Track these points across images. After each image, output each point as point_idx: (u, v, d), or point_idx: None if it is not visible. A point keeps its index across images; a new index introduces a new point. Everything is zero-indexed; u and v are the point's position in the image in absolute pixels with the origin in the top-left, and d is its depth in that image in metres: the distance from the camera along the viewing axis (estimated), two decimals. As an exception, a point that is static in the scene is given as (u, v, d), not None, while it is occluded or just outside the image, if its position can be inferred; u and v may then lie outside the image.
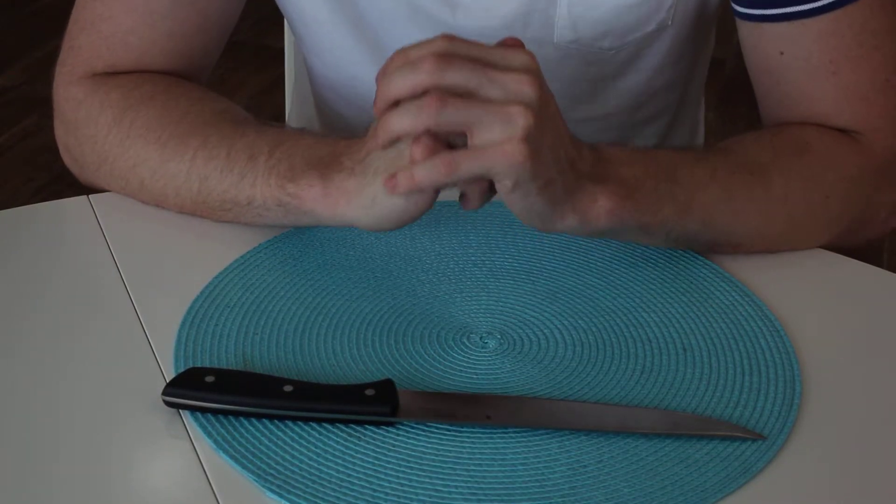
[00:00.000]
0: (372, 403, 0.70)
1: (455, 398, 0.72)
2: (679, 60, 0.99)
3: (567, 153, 0.74)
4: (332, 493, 0.65)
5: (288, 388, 0.70)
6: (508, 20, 0.93)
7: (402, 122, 0.71)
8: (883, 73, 0.88)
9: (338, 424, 0.70)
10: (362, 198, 0.76)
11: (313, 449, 0.68)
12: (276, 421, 0.70)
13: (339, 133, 1.07)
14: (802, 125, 0.88)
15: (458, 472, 0.67)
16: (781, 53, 0.88)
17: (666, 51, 0.97)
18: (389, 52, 0.97)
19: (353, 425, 0.70)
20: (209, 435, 0.69)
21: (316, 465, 0.67)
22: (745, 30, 0.90)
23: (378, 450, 0.68)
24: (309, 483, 0.66)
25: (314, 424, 0.70)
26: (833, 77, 0.88)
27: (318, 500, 0.65)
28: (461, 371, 0.75)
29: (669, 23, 0.94)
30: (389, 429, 0.70)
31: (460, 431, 0.70)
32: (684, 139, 1.09)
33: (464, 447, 0.69)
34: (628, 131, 1.03)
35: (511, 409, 0.71)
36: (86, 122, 0.88)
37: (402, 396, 0.70)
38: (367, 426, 0.70)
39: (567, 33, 0.93)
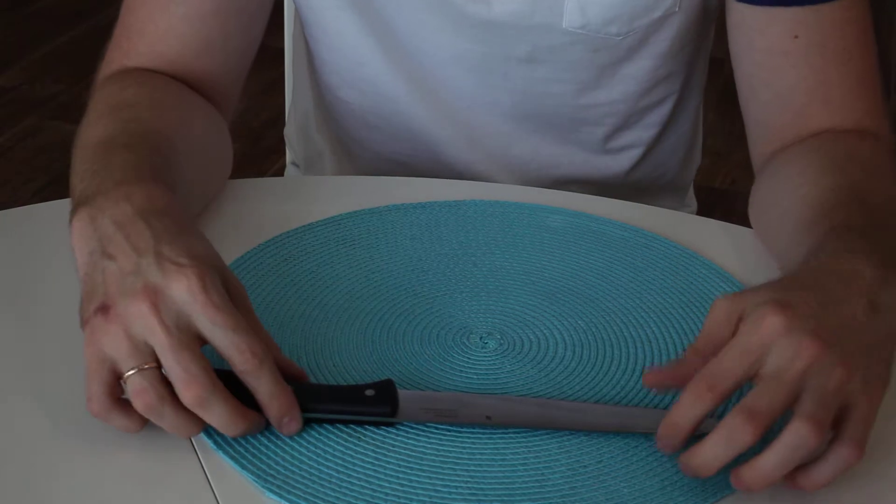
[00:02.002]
0: (372, 404, 0.70)
1: (455, 399, 0.72)
2: (683, 48, 1.00)
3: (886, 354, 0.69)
4: (332, 493, 0.65)
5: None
6: (516, 5, 0.93)
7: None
8: (875, 68, 0.91)
9: (338, 425, 0.70)
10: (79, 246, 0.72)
11: (313, 449, 0.68)
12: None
13: (337, 122, 1.08)
14: (827, 142, 0.89)
15: (458, 472, 0.67)
16: (796, 37, 0.89)
17: (671, 38, 0.97)
18: (396, 35, 0.98)
19: (353, 426, 0.70)
20: (209, 435, 0.69)
21: (316, 465, 0.67)
22: (750, 12, 0.90)
23: (378, 450, 0.68)
24: (309, 483, 0.66)
25: (314, 424, 0.70)
26: (848, 64, 0.89)
27: (318, 500, 0.65)
28: (461, 371, 0.75)
29: (676, 9, 0.95)
30: (389, 429, 0.70)
31: (460, 432, 0.70)
32: (685, 129, 1.09)
33: (464, 447, 0.69)
34: (632, 118, 1.03)
35: (511, 410, 0.71)
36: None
37: (402, 397, 0.70)
38: (367, 427, 0.70)
39: (576, 18, 0.93)
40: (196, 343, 0.66)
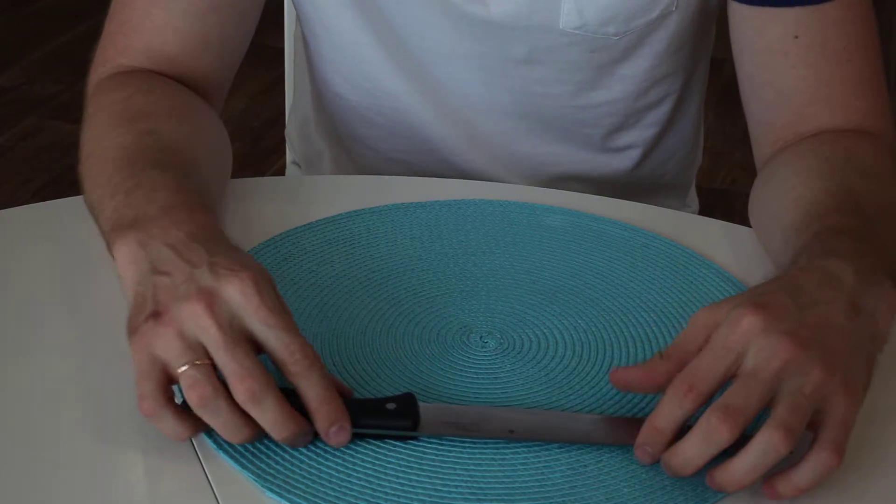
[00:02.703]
0: (393, 418, 0.69)
1: (477, 412, 0.71)
2: (681, 48, 1.00)
3: (868, 352, 0.68)
4: (332, 493, 0.65)
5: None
6: (513, 5, 0.93)
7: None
8: (879, 66, 0.91)
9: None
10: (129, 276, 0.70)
11: (313, 449, 0.68)
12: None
13: (335, 126, 1.08)
14: (826, 143, 0.89)
15: (458, 471, 0.67)
16: (796, 37, 0.89)
17: (668, 37, 0.97)
18: (396, 32, 0.98)
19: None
20: (209, 435, 0.68)
21: (316, 465, 0.67)
22: (749, 13, 0.90)
23: (378, 450, 0.68)
24: (309, 483, 0.66)
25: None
26: (848, 64, 0.89)
27: (318, 500, 0.65)
28: (461, 371, 0.75)
29: (674, 8, 0.95)
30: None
31: (460, 431, 0.70)
32: (686, 129, 1.09)
33: (464, 447, 0.69)
34: (630, 118, 1.03)
35: (535, 424, 0.70)
36: (85, 120, 0.88)
37: (424, 410, 0.69)
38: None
39: (573, 19, 0.93)
40: (249, 344, 0.66)
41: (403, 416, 0.69)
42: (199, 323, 0.65)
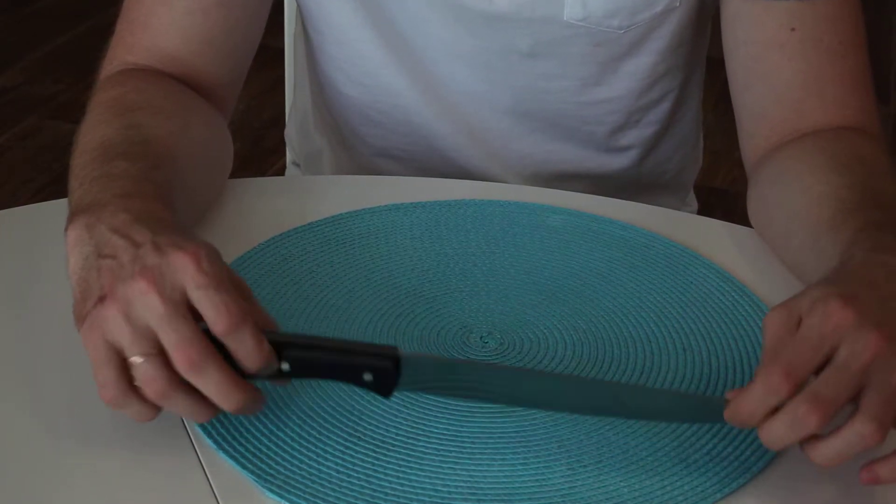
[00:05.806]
0: (367, 387, 0.67)
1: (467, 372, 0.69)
2: (682, 45, 1.00)
3: None
4: (332, 493, 0.65)
5: (285, 367, 0.67)
6: None
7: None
8: (868, 66, 0.92)
9: (337, 425, 0.70)
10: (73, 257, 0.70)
11: (313, 449, 0.68)
12: (276, 421, 0.69)
13: (334, 122, 1.08)
14: (831, 140, 0.89)
15: (458, 472, 0.67)
16: (793, 30, 0.89)
17: (671, 34, 0.98)
18: (398, 29, 0.98)
19: (351, 427, 0.70)
20: (209, 435, 0.69)
21: (316, 465, 0.67)
22: (745, 5, 0.91)
23: (378, 450, 0.68)
24: (309, 483, 0.66)
25: (314, 424, 0.70)
26: (843, 60, 0.90)
27: (318, 500, 0.65)
28: (461, 371, 0.75)
29: (677, 4, 0.96)
30: (389, 428, 0.70)
31: (460, 432, 0.70)
32: (686, 128, 1.10)
33: (464, 447, 0.69)
34: (633, 115, 1.03)
35: (506, 383, 0.69)
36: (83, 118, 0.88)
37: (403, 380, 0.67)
38: (367, 425, 0.70)
39: (577, 10, 0.94)
40: (191, 313, 0.65)
41: (377, 387, 0.67)
42: (145, 301, 0.64)
